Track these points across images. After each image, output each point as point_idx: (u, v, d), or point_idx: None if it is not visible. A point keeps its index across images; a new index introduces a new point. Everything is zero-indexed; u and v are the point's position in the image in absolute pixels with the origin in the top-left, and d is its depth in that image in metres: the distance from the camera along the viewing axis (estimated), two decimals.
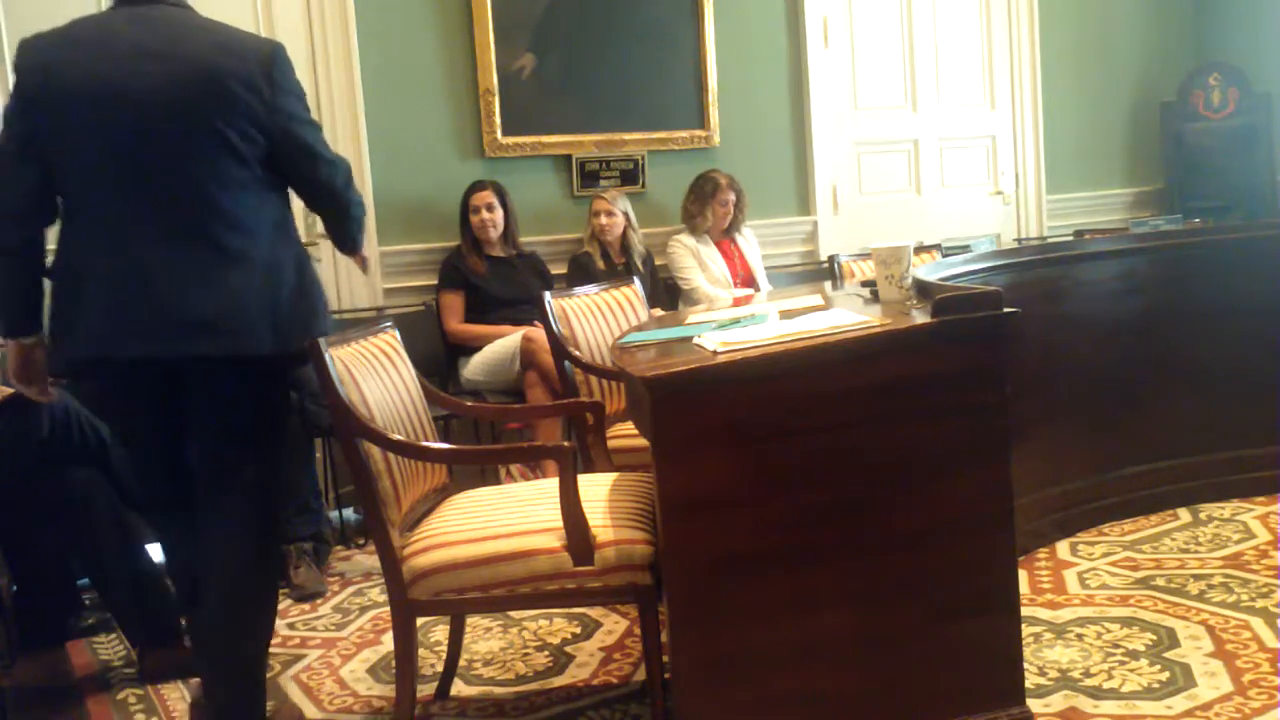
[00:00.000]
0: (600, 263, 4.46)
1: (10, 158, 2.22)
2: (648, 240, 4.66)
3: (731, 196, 4.68)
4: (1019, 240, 5.80)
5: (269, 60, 2.26)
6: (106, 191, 2.20)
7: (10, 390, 2.88)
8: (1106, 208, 6.14)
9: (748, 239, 4.82)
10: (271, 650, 2.78)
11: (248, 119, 2.23)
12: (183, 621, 2.92)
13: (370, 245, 4.01)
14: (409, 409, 2.48)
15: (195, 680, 2.78)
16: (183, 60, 2.20)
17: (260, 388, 2.35)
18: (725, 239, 4.74)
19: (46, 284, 2.33)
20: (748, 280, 4.72)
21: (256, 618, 2.36)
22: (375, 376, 2.37)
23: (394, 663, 2.31)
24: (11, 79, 2.26)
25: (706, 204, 4.66)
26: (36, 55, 2.22)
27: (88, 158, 2.20)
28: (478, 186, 4.32)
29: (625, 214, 4.51)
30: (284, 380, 2.47)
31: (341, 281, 4.34)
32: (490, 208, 4.28)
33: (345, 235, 2.49)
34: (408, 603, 2.19)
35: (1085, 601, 2.85)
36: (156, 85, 2.18)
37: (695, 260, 4.62)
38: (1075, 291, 3.48)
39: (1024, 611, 2.56)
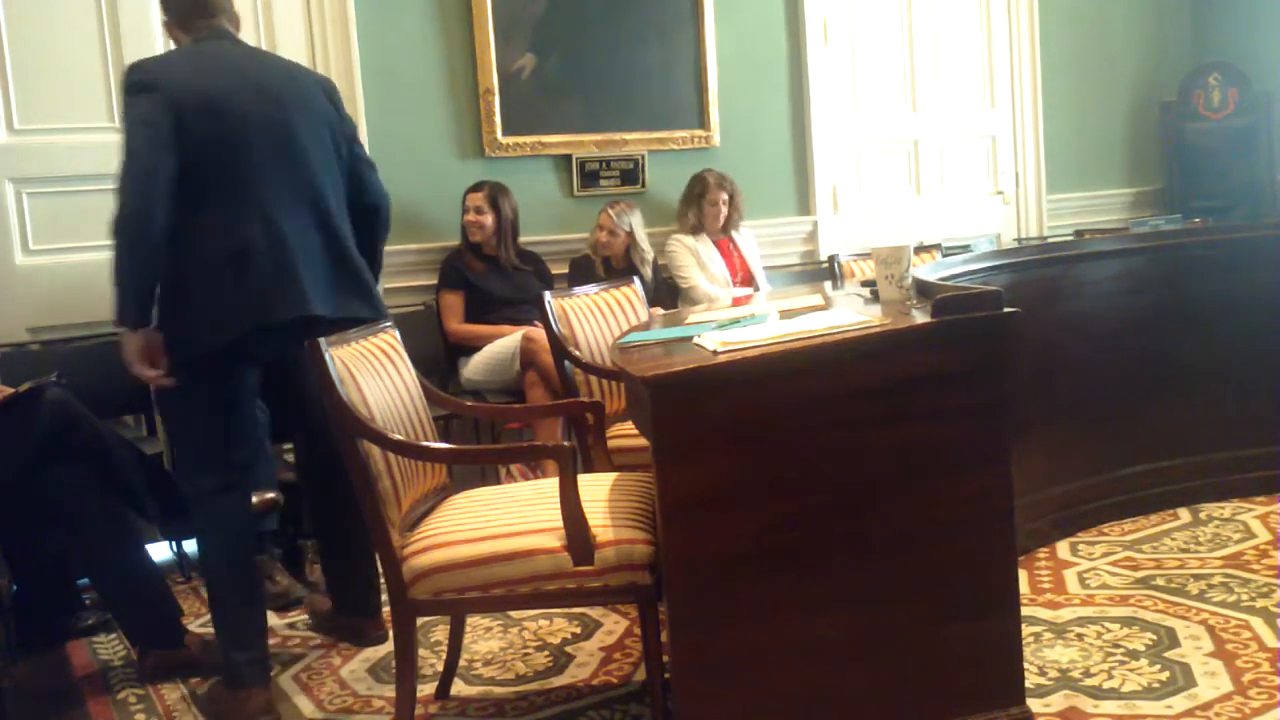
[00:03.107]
0: (601, 270, 4.46)
1: (157, 147, 2.41)
2: (648, 240, 4.65)
3: (722, 195, 4.64)
4: (1019, 240, 5.80)
5: (331, 85, 2.84)
6: (259, 182, 2.55)
7: (10, 390, 2.88)
8: (1106, 208, 6.14)
9: (745, 238, 4.81)
10: (272, 650, 2.80)
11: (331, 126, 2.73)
12: (182, 621, 2.93)
13: None
14: (409, 409, 2.48)
15: (195, 680, 2.79)
16: (280, 76, 2.68)
17: None
18: (723, 238, 4.73)
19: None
20: (746, 279, 4.71)
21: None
22: (375, 376, 2.37)
23: (394, 663, 2.31)
24: (136, 86, 2.47)
25: (694, 204, 4.65)
26: (165, 69, 2.52)
27: (246, 154, 2.53)
28: (474, 187, 4.32)
29: (630, 231, 4.48)
30: None
31: None
32: (479, 210, 4.27)
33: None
34: (408, 602, 2.19)
35: (1085, 601, 2.85)
36: (283, 93, 2.62)
37: (694, 260, 4.61)
38: (1075, 291, 3.48)
39: (1024, 611, 2.56)
